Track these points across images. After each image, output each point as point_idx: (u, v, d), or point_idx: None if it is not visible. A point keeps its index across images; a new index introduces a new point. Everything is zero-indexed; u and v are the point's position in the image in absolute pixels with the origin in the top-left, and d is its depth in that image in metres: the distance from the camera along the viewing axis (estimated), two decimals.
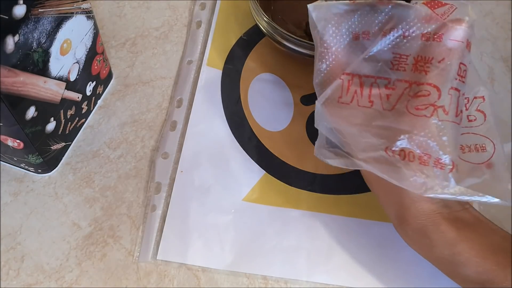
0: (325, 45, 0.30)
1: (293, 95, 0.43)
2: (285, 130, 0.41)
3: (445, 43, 0.27)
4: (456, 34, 0.27)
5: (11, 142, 0.33)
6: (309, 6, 0.30)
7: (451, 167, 0.27)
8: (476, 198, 0.27)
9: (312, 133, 0.41)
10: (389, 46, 0.29)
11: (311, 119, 0.42)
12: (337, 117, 0.30)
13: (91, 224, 0.37)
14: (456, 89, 0.28)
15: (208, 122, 0.41)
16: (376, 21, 0.29)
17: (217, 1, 0.49)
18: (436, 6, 0.28)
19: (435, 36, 0.28)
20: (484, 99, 0.31)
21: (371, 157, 0.29)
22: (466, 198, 0.27)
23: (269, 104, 0.42)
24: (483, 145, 0.30)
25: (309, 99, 0.43)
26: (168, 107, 0.43)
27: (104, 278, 0.35)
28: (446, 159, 0.27)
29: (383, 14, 0.29)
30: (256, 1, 0.41)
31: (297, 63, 0.44)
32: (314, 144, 0.40)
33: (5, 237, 0.36)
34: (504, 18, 0.50)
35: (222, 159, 0.40)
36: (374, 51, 0.29)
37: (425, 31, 0.28)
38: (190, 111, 0.42)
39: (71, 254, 0.36)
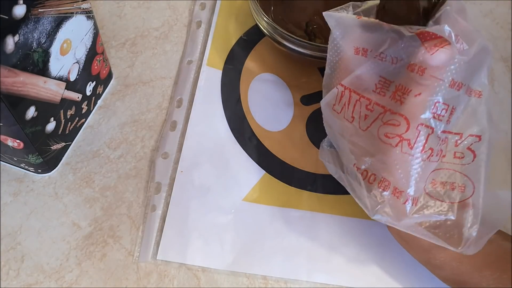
0: (332, 51, 0.31)
1: (293, 95, 0.43)
2: (285, 130, 0.41)
3: (426, 78, 0.27)
4: (438, 72, 0.26)
5: (11, 142, 0.33)
6: (324, 13, 0.31)
7: (407, 198, 0.28)
8: (424, 235, 0.28)
9: (312, 133, 0.41)
10: (378, 68, 0.29)
11: (311, 119, 0.42)
12: (331, 122, 0.32)
13: (91, 224, 0.37)
14: (428, 126, 0.27)
15: (208, 122, 0.41)
16: (375, 41, 0.29)
17: (217, 1, 0.49)
18: (428, 38, 0.27)
19: (419, 69, 0.27)
20: (480, 139, 0.30)
21: (348, 166, 0.30)
22: (414, 232, 0.28)
23: (269, 104, 0.42)
24: (463, 185, 0.29)
25: (309, 99, 0.43)
26: (168, 107, 0.43)
27: (104, 278, 0.35)
28: (403, 189, 0.28)
29: (381, 36, 0.29)
30: (256, 1, 0.41)
31: (297, 63, 0.44)
32: (314, 144, 0.41)
33: (5, 237, 0.36)
34: (504, 18, 0.50)
35: (222, 159, 0.40)
36: (365, 70, 0.29)
37: (411, 62, 0.27)
38: (190, 111, 0.42)
39: (71, 254, 0.36)
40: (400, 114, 0.27)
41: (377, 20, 0.29)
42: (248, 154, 0.40)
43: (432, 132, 0.27)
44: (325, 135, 0.41)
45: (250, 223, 0.37)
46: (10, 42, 0.27)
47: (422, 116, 0.27)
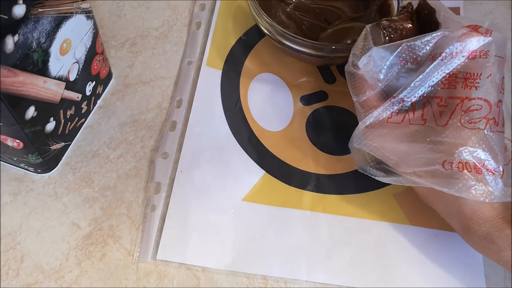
0: (370, 74, 0.33)
1: (293, 95, 0.43)
2: (285, 130, 0.41)
3: (490, 59, 0.30)
4: (500, 51, 0.30)
5: (10, 142, 0.33)
6: (352, 51, 0.34)
7: (502, 173, 0.29)
8: None
9: (312, 133, 0.41)
10: (439, 67, 0.31)
11: (310, 119, 0.42)
12: (383, 136, 0.33)
13: (90, 224, 0.37)
14: (501, 101, 0.31)
15: (208, 122, 0.41)
16: (422, 48, 0.32)
17: (217, 1, 0.49)
18: (476, 28, 0.31)
19: (481, 54, 0.30)
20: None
21: (423, 171, 0.31)
22: None
23: (269, 104, 0.42)
24: (505, 145, 0.32)
25: (309, 99, 0.43)
26: (168, 107, 0.43)
27: (104, 278, 0.35)
28: (497, 166, 0.30)
29: (429, 41, 0.31)
30: (256, 1, 0.41)
31: (297, 63, 0.44)
32: (313, 143, 0.40)
33: (5, 237, 0.36)
34: (504, 18, 0.50)
35: (222, 159, 0.40)
36: (425, 73, 0.31)
37: (471, 49, 0.30)
38: (190, 111, 0.42)
39: (71, 254, 0.36)
40: (479, 98, 0.30)
41: (402, 41, 0.32)
42: (248, 154, 0.40)
43: (502, 104, 0.31)
44: (325, 134, 0.41)
45: (249, 223, 0.37)
46: (10, 42, 0.27)
47: (498, 93, 0.30)
